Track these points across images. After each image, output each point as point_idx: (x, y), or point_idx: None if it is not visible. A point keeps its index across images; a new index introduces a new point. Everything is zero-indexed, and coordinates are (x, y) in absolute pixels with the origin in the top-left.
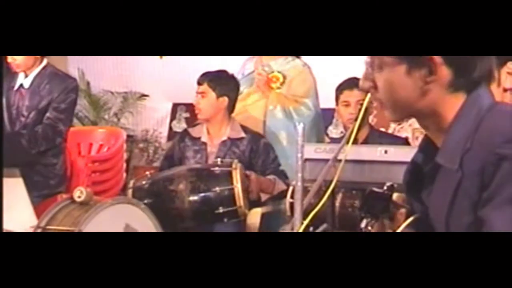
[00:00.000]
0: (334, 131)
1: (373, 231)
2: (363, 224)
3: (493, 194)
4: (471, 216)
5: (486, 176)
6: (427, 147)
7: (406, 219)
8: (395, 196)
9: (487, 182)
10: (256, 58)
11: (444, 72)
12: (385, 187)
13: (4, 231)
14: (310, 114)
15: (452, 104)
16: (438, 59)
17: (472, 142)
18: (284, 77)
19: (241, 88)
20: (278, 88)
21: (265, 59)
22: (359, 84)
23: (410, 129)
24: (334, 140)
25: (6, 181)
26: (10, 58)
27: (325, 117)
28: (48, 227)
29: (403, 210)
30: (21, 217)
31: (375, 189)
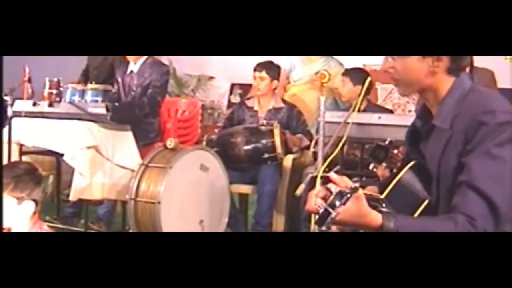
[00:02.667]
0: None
1: (378, 172)
2: (371, 167)
3: (474, 147)
4: (456, 161)
5: (470, 134)
6: (425, 114)
7: (401, 165)
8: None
9: (470, 138)
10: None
11: (445, 60)
12: (386, 142)
13: (115, 165)
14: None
15: (447, 83)
16: None
17: (459, 110)
18: (330, 74)
19: (294, 77)
20: (326, 83)
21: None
22: (382, 64)
23: (391, 103)
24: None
25: (121, 134)
26: None
27: None
28: (150, 164)
29: (397, 159)
30: (131, 157)
31: (380, 143)
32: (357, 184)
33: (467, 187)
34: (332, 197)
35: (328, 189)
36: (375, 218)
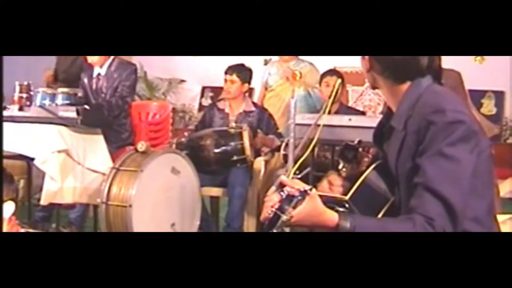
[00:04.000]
0: None
1: (344, 172)
2: (340, 166)
3: (425, 148)
4: (411, 163)
5: (421, 135)
6: (388, 115)
7: (368, 165)
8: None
9: (421, 139)
10: (276, 62)
11: (366, 60)
12: (355, 142)
13: (86, 169)
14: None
15: (380, 84)
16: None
17: (412, 111)
18: (301, 73)
19: (271, 83)
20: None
21: (283, 62)
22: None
23: (362, 105)
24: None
25: (92, 137)
26: (89, 59)
27: None
28: (121, 168)
29: (366, 159)
30: (102, 161)
31: (349, 143)
32: (308, 187)
33: (422, 188)
34: (282, 201)
35: (280, 193)
36: (331, 217)
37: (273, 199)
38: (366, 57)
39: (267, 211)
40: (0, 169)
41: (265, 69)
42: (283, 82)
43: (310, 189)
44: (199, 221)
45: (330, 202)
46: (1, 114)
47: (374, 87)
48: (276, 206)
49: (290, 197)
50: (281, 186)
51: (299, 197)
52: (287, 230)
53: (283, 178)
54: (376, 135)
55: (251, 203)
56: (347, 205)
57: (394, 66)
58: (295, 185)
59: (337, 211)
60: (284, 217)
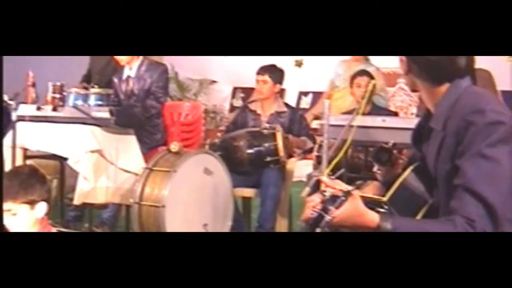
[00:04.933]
0: None
1: (379, 175)
2: (374, 169)
3: (465, 149)
4: (451, 164)
5: (460, 136)
6: (427, 116)
7: (404, 167)
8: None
9: (460, 140)
10: (344, 62)
11: (404, 61)
12: (390, 144)
13: (119, 169)
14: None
15: (418, 86)
16: None
17: (452, 112)
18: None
19: (338, 83)
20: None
21: (353, 64)
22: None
23: (393, 106)
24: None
25: (125, 138)
26: (117, 59)
27: None
28: (154, 168)
29: (400, 161)
30: (135, 161)
31: (383, 145)
32: (350, 188)
33: (463, 190)
34: (325, 201)
35: (323, 193)
36: (372, 218)
37: (314, 199)
38: (404, 59)
39: (309, 212)
40: (0, 169)
41: (333, 68)
42: (347, 89)
43: (353, 190)
44: (231, 222)
45: (368, 203)
46: (1, 114)
47: (413, 89)
48: (319, 207)
49: (333, 198)
50: (320, 186)
51: (343, 198)
52: (326, 230)
53: (324, 178)
54: (415, 136)
55: (283, 204)
56: (385, 207)
57: (431, 67)
58: (337, 186)
59: (377, 211)
60: (327, 218)
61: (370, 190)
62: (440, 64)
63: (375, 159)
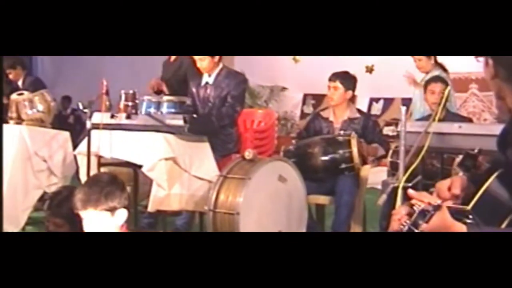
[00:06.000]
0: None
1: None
2: (460, 174)
3: None
4: None
5: None
6: None
7: (487, 173)
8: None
9: None
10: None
11: (490, 64)
12: (475, 150)
13: (193, 176)
14: None
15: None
16: None
17: None
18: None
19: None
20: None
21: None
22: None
23: (466, 112)
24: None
25: (198, 145)
26: (198, 63)
27: (407, 104)
28: (228, 175)
29: (484, 167)
30: (209, 169)
31: (469, 151)
32: (439, 201)
33: None
34: (415, 215)
35: (411, 206)
36: (460, 229)
37: (400, 212)
38: (490, 63)
39: (398, 225)
40: (0, 170)
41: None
42: None
43: (440, 206)
44: (305, 229)
45: (451, 212)
46: (1, 116)
47: (499, 96)
48: (408, 220)
49: (423, 212)
50: (396, 194)
51: (432, 212)
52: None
53: (410, 191)
54: (500, 142)
55: (357, 211)
56: (470, 216)
57: None
58: (424, 199)
59: (464, 222)
60: (417, 231)
61: (457, 184)
62: None
63: (461, 166)
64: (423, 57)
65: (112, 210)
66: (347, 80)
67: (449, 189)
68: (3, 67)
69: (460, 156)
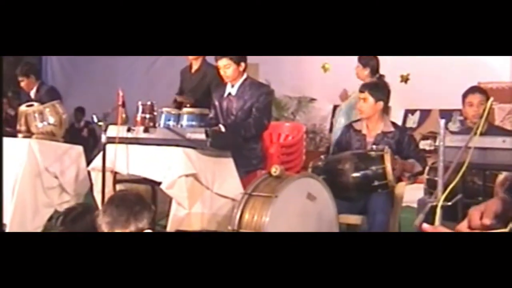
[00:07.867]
0: (453, 126)
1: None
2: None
3: None
4: None
5: None
6: None
7: None
8: None
9: None
10: None
11: None
12: None
13: (215, 194)
14: None
15: None
16: None
17: None
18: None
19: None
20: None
21: None
22: None
23: (510, 124)
24: (453, 133)
25: (221, 161)
26: (222, 71)
27: (445, 116)
28: (253, 193)
29: None
30: (232, 186)
31: None
32: None
33: None
34: None
35: None
36: None
37: None
38: None
39: None
40: (0, 170)
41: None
42: None
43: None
44: None
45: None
46: (1, 118)
47: None
48: None
49: None
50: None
51: None
52: None
53: (425, 226)
54: None
55: (391, 231)
56: None
57: None
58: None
59: None
60: None
61: (491, 211)
62: None
63: (507, 191)
64: (359, 65)
65: (140, 231)
66: (378, 90)
67: (481, 217)
68: (12, 72)
69: (504, 173)
